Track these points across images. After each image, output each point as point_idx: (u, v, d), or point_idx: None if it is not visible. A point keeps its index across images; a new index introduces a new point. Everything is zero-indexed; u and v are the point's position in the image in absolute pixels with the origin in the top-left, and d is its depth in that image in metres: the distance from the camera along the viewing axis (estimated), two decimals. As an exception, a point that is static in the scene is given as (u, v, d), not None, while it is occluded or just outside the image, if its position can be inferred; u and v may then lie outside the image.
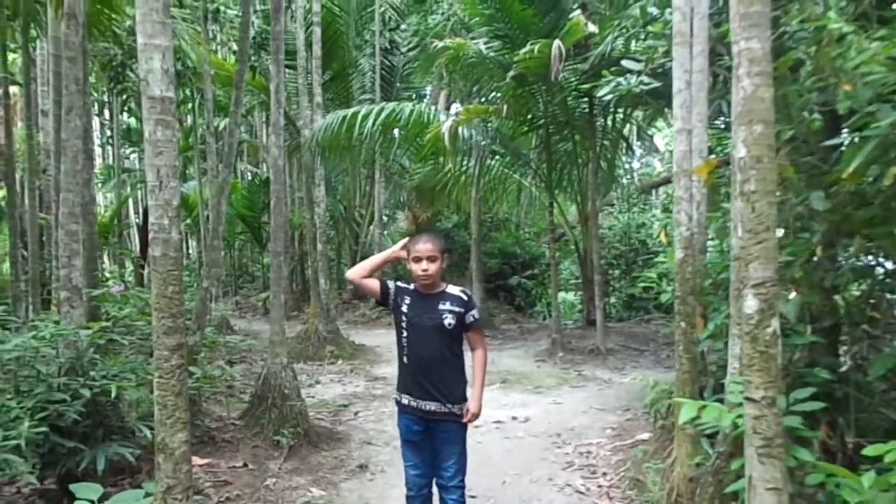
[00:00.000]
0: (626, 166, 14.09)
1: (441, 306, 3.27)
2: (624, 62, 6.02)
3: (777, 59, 3.54)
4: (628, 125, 11.55)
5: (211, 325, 8.02)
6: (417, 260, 3.25)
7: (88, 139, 6.86)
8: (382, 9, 13.99)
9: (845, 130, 3.59)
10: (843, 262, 3.43)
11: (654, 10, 6.54)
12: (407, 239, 3.44)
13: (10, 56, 9.24)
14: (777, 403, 2.24)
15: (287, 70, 10.31)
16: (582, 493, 4.50)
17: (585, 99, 9.75)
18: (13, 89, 10.59)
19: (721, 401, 3.25)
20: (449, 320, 3.24)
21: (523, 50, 8.35)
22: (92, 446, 3.87)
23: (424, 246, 3.26)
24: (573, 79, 9.30)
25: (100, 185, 19.73)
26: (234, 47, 15.36)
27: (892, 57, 2.82)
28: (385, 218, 15.95)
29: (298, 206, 14.71)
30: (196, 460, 4.58)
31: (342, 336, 10.75)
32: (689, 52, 4.22)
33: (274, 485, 4.68)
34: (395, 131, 11.49)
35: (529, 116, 10.44)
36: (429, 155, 11.56)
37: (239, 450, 5.23)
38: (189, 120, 16.23)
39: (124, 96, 13.31)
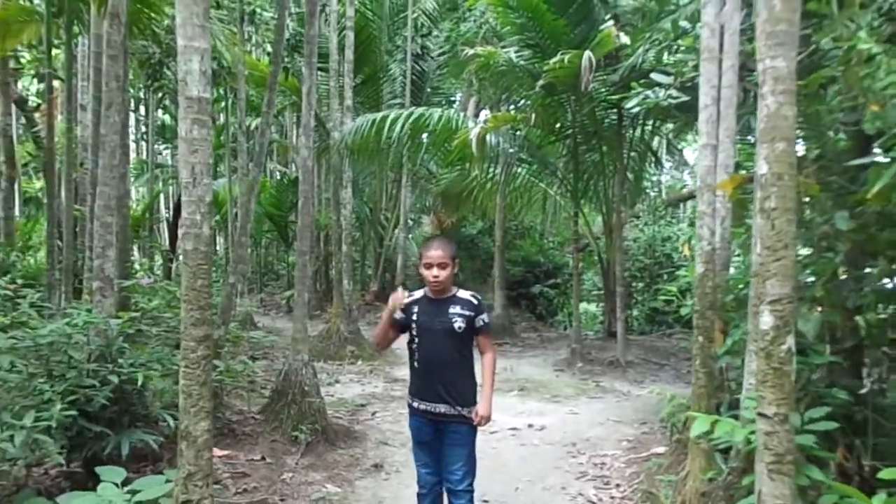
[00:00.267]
0: (654, 179, 14.03)
1: (451, 310, 3.32)
2: (653, 75, 6.03)
3: (808, 77, 3.56)
4: (657, 138, 11.51)
5: (235, 321, 8.15)
6: (429, 266, 3.31)
7: (125, 135, 7.04)
8: (415, 15, 14.11)
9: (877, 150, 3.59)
10: (867, 283, 3.41)
11: (685, 24, 6.55)
12: (394, 302, 3.45)
13: (53, 52, 9.48)
14: (789, 420, 2.26)
15: (319, 73, 10.44)
16: (594, 503, 4.51)
17: (614, 110, 9.74)
18: (55, 84, 10.88)
19: (737, 417, 3.25)
20: (459, 324, 3.29)
21: (553, 59, 8.39)
22: (117, 432, 3.98)
23: (435, 252, 3.32)
24: (602, 90, 9.31)
25: (133, 179, 20.12)
26: (269, 49, 15.60)
27: (922, 79, 2.82)
28: (410, 222, 16.03)
29: (325, 206, 14.88)
30: (216, 451, 4.67)
31: (363, 337, 10.83)
32: (717, 67, 4.23)
33: (290, 479, 4.76)
34: (424, 136, 11.56)
35: (557, 126, 10.46)
36: (456, 161, 11.62)
37: (258, 443, 5.33)
38: (221, 118, 16.50)
39: (160, 94, 13.58)
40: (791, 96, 2.43)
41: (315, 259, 15.30)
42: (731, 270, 4.50)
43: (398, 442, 5.84)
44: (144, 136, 20.28)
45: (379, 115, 10.54)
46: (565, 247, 16.29)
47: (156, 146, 20.04)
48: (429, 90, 15.26)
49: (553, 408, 7.33)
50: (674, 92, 5.80)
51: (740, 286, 4.21)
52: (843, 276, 3.40)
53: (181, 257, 3.25)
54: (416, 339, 3.40)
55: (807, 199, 3.91)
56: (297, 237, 6.56)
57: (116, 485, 3.12)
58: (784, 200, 2.34)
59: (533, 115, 9.62)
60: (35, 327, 4.02)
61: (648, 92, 6.55)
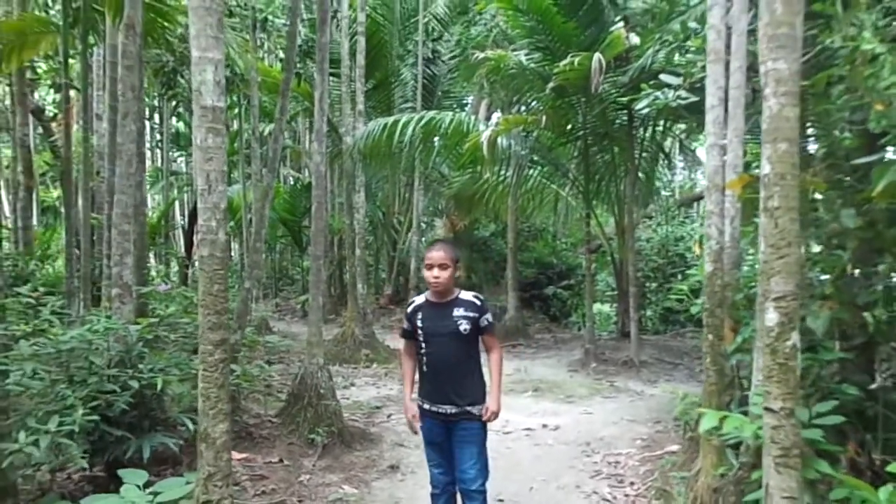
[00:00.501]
0: (667, 179, 14.01)
1: (455, 312, 3.38)
2: (662, 76, 6.06)
3: (815, 77, 3.59)
4: (669, 138, 11.51)
5: (251, 326, 8.26)
6: (430, 267, 3.37)
7: (141, 143, 7.17)
8: (426, 19, 14.21)
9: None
10: (876, 280, 3.44)
11: (694, 25, 6.58)
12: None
13: (69, 62, 9.65)
14: (795, 415, 2.30)
15: (331, 78, 10.55)
16: (608, 501, 4.55)
17: (625, 111, 9.77)
18: (70, 94, 11.06)
19: (747, 413, 3.28)
20: (464, 325, 3.35)
21: (564, 62, 8.43)
22: (138, 436, 4.08)
23: (437, 254, 3.38)
24: (613, 91, 9.34)
25: (148, 187, 20.36)
26: (281, 55, 15.76)
27: (926, 78, 2.85)
28: (423, 225, 16.10)
29: (338, 211, 15.00)
30: (234, 454, 4.76)
31: (377, 340, 10.92)
32: (724, 69, 4.27)
33: (308, 481, 4.84)
34: (436, 139, 11.64)
35: (569, 127, 10.49)
36: (468, 163, 11.68)
37: (275, 446, 5.41)
38: (235, 125, 16.67)
39: (174, 102, 13.75)
40: (793, 98, 2.47)
41: (329, 263, 15.43)
42: (745, 269, 4.54)
43: (413, 443, 5.89)
44: (159, 144, 20.54)
45: (391, 120, 10.63)
46: (578, 248, 16.30)
47: (170, 154, 20.28)
48: (440, 94, 15.34)
49: (567, 408, 7.37)
50: (683, 93, 5.84)
51: (751, 284, 4.24)
52: (853, 274, 3.42)
53: (198, 263, 3.34)
54: (424, 345, 3.45)
55: (819, 197, 3.94)
56: (311, 242, 6.64)
57: (138, 487, 3.21)
58: (787, 200, 2.38)
59: (544, 118, 9.67)
60: (55, 334, 4.13)
61: (658, 93, 6.58)
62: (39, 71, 11.72)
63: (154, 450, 4.06)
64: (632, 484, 4.83)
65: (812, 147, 4.48)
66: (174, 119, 19.96)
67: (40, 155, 16.06)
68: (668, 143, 11.63)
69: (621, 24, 9.28)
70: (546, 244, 16.88)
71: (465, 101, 17.03)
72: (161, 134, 19.91)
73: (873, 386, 3.39)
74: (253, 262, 7.53)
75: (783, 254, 2.33)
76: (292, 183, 20.21)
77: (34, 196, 11.79)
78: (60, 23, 7.79)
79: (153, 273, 13.05)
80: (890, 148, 3.43)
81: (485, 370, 3.52)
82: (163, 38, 8.85)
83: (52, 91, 13.47)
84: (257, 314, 11.17)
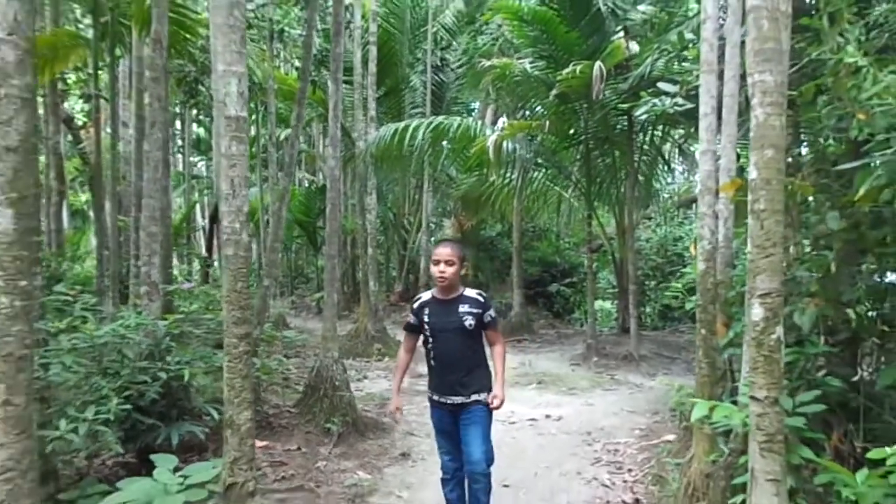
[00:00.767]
0: (666, 181, 14.04)
1: (461, 309, 3.45)
2: (660, 84, 6.13)
3: (800, 87, 3.66)
4: (668, 143, 11.56)
5: (269, 322, 8.36)
6: (436, 263, 3.44)
7: (167, 150, 7.29)
8: (435, 29, 14.31)
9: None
10: (859, 279, 3.50)
11: (690, 36, 6.64)
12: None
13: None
14: (779, 403, 2.37)
15: (344, 85, 10.67)
16: (607, 486, 4.63)
17: (625, 117, 9.82)
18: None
19: (736, 403, 3.36)
20: (469, 321, 3.42)
21: (566, 70, 8.51)
22: (167, 424, 4.19)
23: (443, 250, 3.47)
24: (613, 98, 9.40)
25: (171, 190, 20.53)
26: (296, 63, 15.87)
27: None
28: (432, 225, 16.20)
29: (351, 212, 15.10)
30: (256, 442, 4.87)
31: (389, 335, 11.02)
32: (716, 79, 4.34)
33: (324, 467, 4.94)
34: (444, 143, 11.74)
35: (571, 132, 10.57)
36: (475, 166, 11.77)
37: (293, 435, 5.52)
38: (252, 130, 16.80)
39: (195, 110, 13.89)
40: (779, 108, 2.54)
41: (342, 262, 15.53)
42: (738, 268, 4.60)
43: (423, 432, 5.99)
44: (181, 150, 20.71)
45: (401, 125, 10.73)
46: (580, 247, 16.35)
47: (191, 158, 20.45)
48: (448, 100, 15.44)
49: (569, 399, 7.44)
50: (680, 100, 5.90)
51: (743, 282, 4.30)
52: (835, 272, 3.49)
53: (223, 262, 3.44)
54: (431, 340, 3.52)
55: (810, 199, 4.01)
56: (326, 242, 6.74)
57: (170, 471, 3.32)
58: (772, 203, 2.46)
59: (547, 123, 9.74)
60: (90, 330, 4.24)
61: (656, 100, 6.64)
62: (69, 82, 11.88)
63: (182, 437, 4.17)
64: (630, 470, 4.91)
65: (805, 152, 4.55)
66: (194, 125, 20.13)
67: (70, 161, 16.26)
68: (666, 147, 11.66)
69: (621, 34, 9.35)
70: (550, 244, 16.93)
71: (472, 107, 17.13)
72: (183, 140, 20.08)
73: (856, 378, 3.46)
74: (270, 261, 7.63)
75: (768, 253, 2.41)
76: (307, 185, 20.33)
77: (65, 200, 11.94)
78: (90, 37, 7.92)
79: (176, 272, 13.18)
80: (876, 154, 3.50)
81: (489, 363, 3.60)
82: (185, 50, 8.99)
83: (80, 100, 13.66)
84: (275, 311, 11.30)
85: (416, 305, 3.60)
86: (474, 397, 3.45)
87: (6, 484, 2.13)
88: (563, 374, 8.88)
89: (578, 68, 8.33)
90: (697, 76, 5.47)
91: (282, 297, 16.50)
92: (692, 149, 14.42)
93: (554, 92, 9.12)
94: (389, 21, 14.17)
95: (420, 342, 3.66)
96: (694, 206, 16.87)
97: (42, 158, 8.84)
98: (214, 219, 15.77)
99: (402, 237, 16.92)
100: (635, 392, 7.80)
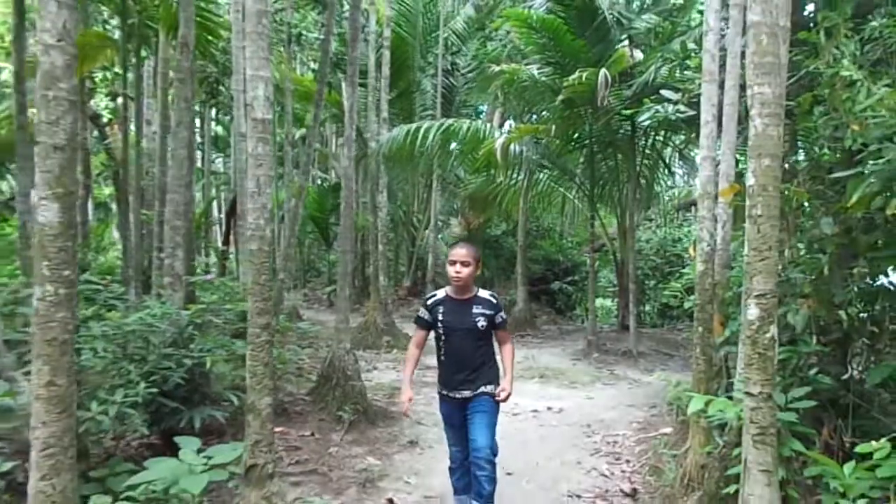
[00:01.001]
0: (665, 185, 14.07)
1: (475, 310, 3.50)
2: (663, 92, 6.17)
3: (798, 98, 3.71)
4: (669, 148, 11.59)
5: (284, 313, 8.45)
6: (453, 263, 3.49)
7: (191, 148, 7.38)
8: (446, 35, 14.35)
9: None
10: (851, 282, 3.55)
11: (693, 46, 6.68)
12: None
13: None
14: (772, 398, 2.43)
15: (358, 87, 10.73)
16: (606, 476, 4.69)
17: (628, 122, 9.85)
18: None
19: (731, 398, 3.42)
20: (482, 322, 3.48)
21: (572, 76, 8.54)
22: (190, 408, 4.26)
23: (460, 251, 3.52)
24: (617, 103, 9.43)
25: (191, 185, 20.60)
26: (312, 65, 15.94)
27: (897, 102, 2.96)
28: (440, 223, 16.27)
29: (362, 210, 15.17)
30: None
31: (398, 328, 11.08)
32: (717, 88, 4.39)
33: (336, 452, 5.01)
34: (453, 145, 11.79)
35: (576, 136, 10.61)
36: (482, 167, 11.83)
37: (307, 421, 5.59)
38: (269, 130, 16.84)
39: (215, 109, 13.97)
40: (776, 118, 2.60)
41: (353, 258, 15.61)
42: (735, 269, 4.65)
43: (430, 422, 6.05)
44: (200, 146, 20.80)
45: (413, 126, 10.80)
46: (583, 247, 16.37)
47: (210, 155, 20.53)
48: (458, 103, 15.48)
49: (570, 393, 7.50)
50: (681, 107, 5.96)
51: (740, 283, 4.35)
52: (828, 275, 3.54)
53: (247, 256, 3.51)
54: (444, 338, 3.57)
55: (805, 204, 4.06)
56: (339, 238, 6.80)
57: (193, 452, 3.40)
58: (769, 208, 2.51)
59: (553, 127, 9.79)
60: (117, 317, 4.32)
61: (658, 107, 6.69)
62: (96, 80, 11.98)
63: (203, 421, 4.24)
64: (628, 461, 4.97)
65: (802, 160, 4.60)
66: (213, 123, 20.22)
67: (95, 156, 16.39)
68: (667, 151, 11.69)
69: (626, 42, 9.38)
70: (553, 243, 16.97)
71: (480, 110, 17.16)
72: (202, 137, 20.17)
73: (846, 377, 3.52)
74: (286, 255, 7.72)
75: (764, 256, 2.47)
76: (320, 183, 20.42)
77: (90, 194, 12.06)
78: (117, 38, 8.01)
79: (195, 264, 13.30)
80: (869, 163, 3.55)
81: (497, 359, 3.66)
82: (208, 51, 9.07)
83: (106, 98, 13.76)
84: (289, 303, 11.38)
85: (430, 302, 3.63)
86: (482, 389, 3.50)
87: (49, 459, 2.21)
88: (565, 369, 8.94)
89: (584, 75, 8.37)
90: (699, 85, 5.52)
91: (295, 291, 16.58)
92: (692, 154, 14.45)
93: (560, 97, 9.16)
94: (402, 26, 14.22)
95: (432, 337, 3.72)
96: (693, 209, 16.90)
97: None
98: (231, 213, 15.86)
99: (411, 234, 16.99)
100: (634, 387, 7.85)
